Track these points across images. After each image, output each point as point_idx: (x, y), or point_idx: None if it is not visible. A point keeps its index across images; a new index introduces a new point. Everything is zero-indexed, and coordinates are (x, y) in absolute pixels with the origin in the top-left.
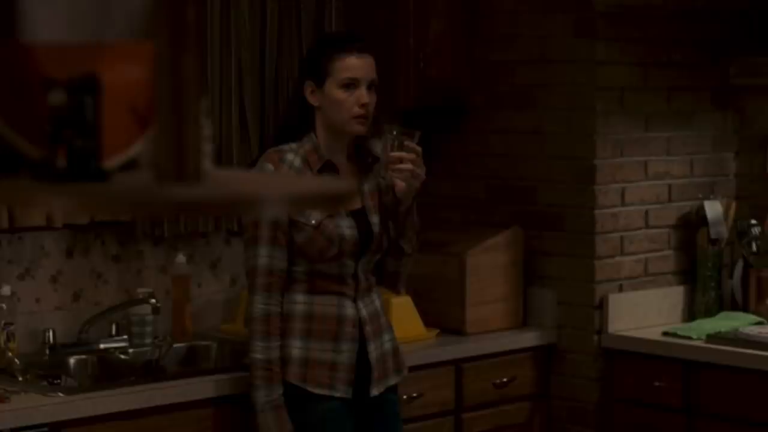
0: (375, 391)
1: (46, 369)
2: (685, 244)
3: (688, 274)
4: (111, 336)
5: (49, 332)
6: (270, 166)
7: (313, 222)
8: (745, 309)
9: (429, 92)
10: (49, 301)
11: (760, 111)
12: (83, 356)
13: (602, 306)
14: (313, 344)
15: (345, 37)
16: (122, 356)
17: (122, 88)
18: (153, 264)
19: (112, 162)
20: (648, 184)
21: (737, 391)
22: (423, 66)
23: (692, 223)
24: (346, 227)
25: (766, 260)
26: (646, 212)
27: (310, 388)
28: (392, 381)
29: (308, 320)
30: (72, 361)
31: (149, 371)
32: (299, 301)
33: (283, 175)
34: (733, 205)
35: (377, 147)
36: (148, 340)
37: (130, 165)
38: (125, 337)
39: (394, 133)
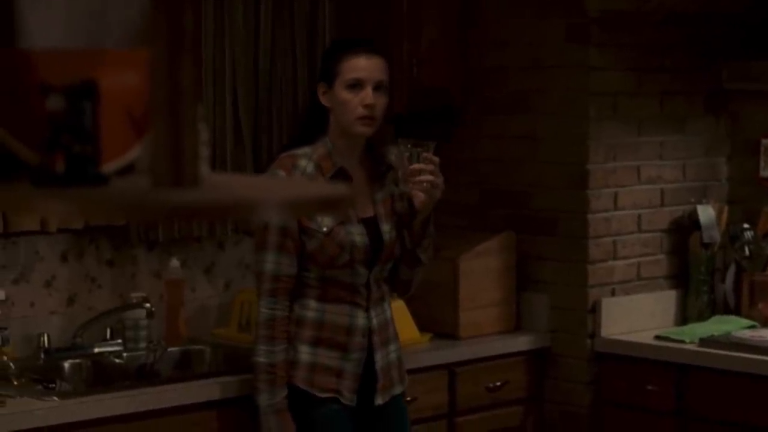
0: (380, 400)
1: (40, 373)
2: (678, 248)
3: (680, 278)
4: (105, 340)
5: (43, 336)
6: (282, 173)
7: (325, 229)
8: (737, 313)
9: (422, 98)
10: (43, 306)
11: (752, 115)
12: (78, 360)
13: (595, 310)
14: (321, 351)
15: (355, 39)
16: (116, 360)
17: (119, 93)
18: (147, 268)
19: (109, 167)
20: (641, 188)
21: (729, 394)
22: (416, 72)
23: (685, 228)
24: (356, 234)
25: (758, 264)
26: (639, 217)
27: (316, 393)
28: (396, 390)
29: (318, 328)
30: (66, 365)
31: (143, 375)
32: (311, 307)
33: (281, 179)
34: (726, 209)
35: (391, 154)
36: (142, 345)
37: (128, 170)
38: (119, 341)
39: (409, 145)
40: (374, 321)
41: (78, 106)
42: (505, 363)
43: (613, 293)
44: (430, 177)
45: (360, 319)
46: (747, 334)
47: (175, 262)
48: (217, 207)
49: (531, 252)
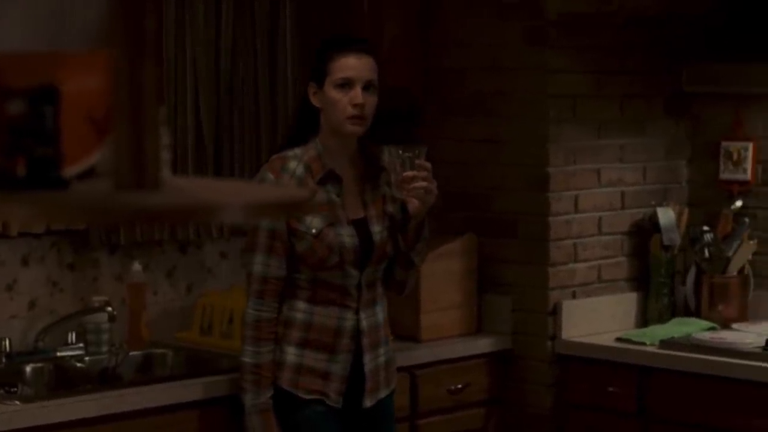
0: (367, 403)
1: (2, 378)
2: (638, 250)
3: (641, 280)
4: (67, 344)
5: (5, 341)
6: (271, 176)
7: (314, 231)
8: (697, 315)
9: (382, 99)
10: (4, 310)
11: (712, 118)
12: (39, 364)
13: (556, 312)
14: (308, 353)
15: (344, 38)
16: (78, 364)
17: (81, 97)
18: (109, 272)
19: (71, 170)
20: (601, 191)
21: (690, 396)
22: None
23: (645, 230)
24: (346, 236)
25: (718, 266)
26: (600, 219)
27: (301, 394)
28: (382, 394)
29: (306, 330)
30: (28, 369)
31: (105, 379)
32: (300, 309)
33: (242, 183)
34: (686, 211)
35: (384, 155)
36: (104, 348)
37: (89, 173)
38: (81, 345)
39: (400, 151)
40: (364, 323)
41: (39, 110)
42: (466, 365)
43: (573, 296)
44: (424, 184)
45: (349, 321)
46: (707, 335)
47: (137, 266)
48: (179, 210)
49: (492, 254)
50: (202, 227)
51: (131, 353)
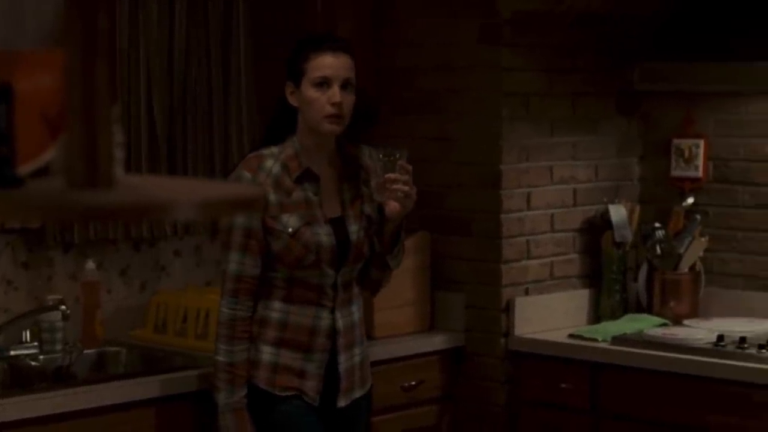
0: (342, 403)
1: None
2: (591, 247)
3: (593, 277)
4: (21, 343)
5: None
6: (247, 175)
7: (290, 230)
8: (649, 311)
9: None
10: None
11: (663, 116)
12: None
13: (509, 309)
14: (284, 352)
15: (322, 36)
16: (33, 363)
17: (34, 95)
18: (63, 271)
19: (25, 169)
20: (553, 188)
21: (642, 392)
22: None
23: (597, 227)
24: (323, 235)
25: (669, 263)
26: (552, 216)
27: (277, 392)
28: (357, 394)
29: (282, 329)
30: None
31: (60, 377)
32: (275, 308)
33: (195, 180)
34: (638, 208)
35: (364, 155)
36: (58, 347)
37: (43, 171)
38: (36, 343)
39: (381, 155)
40: (340, 323)
41: None
42: (420, 362)
43: (526, 292)
44: (405, 188)
45: (324, 320)
46: (659, 332)
47: (90, 264)
48: (132, 208)
49: (445, 252)
50: (156, 225)
51: (85, 351)
